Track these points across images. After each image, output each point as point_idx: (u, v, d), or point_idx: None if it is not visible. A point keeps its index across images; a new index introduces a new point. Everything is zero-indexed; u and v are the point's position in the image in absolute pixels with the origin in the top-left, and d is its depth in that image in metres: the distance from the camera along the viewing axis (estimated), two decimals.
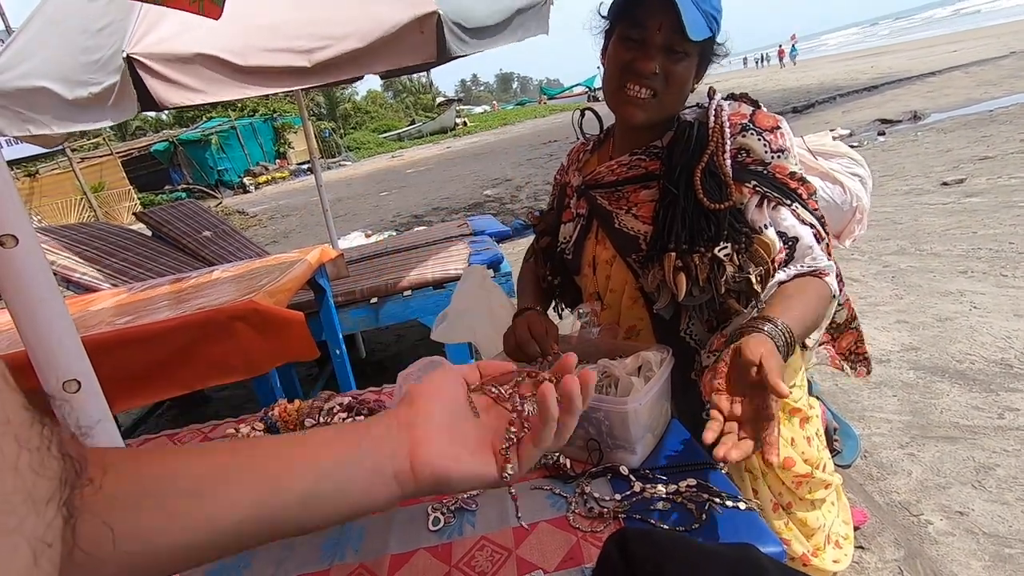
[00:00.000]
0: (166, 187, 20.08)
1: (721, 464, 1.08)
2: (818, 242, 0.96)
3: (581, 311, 1.22)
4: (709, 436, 0.71)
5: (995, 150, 5.32)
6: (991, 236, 3.42)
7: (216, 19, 1.62)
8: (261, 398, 1.82)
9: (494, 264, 2.84)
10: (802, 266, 0.93)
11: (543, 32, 2.87)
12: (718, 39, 1.01)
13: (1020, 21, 24.98)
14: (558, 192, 1.31)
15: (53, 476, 0.22)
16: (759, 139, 0.97)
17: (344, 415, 1.10)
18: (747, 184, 0.96)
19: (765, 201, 0.96)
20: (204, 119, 24.84)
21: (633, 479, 0.91)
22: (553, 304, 1.37)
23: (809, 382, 1.29)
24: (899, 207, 4.35)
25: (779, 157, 0.97)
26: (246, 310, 1.56)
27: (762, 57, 35.32)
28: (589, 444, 0.98)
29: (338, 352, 2.48)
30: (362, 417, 1.11)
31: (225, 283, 2.12)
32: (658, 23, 0.93)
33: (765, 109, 1.07)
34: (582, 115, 1.26)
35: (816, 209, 0.98)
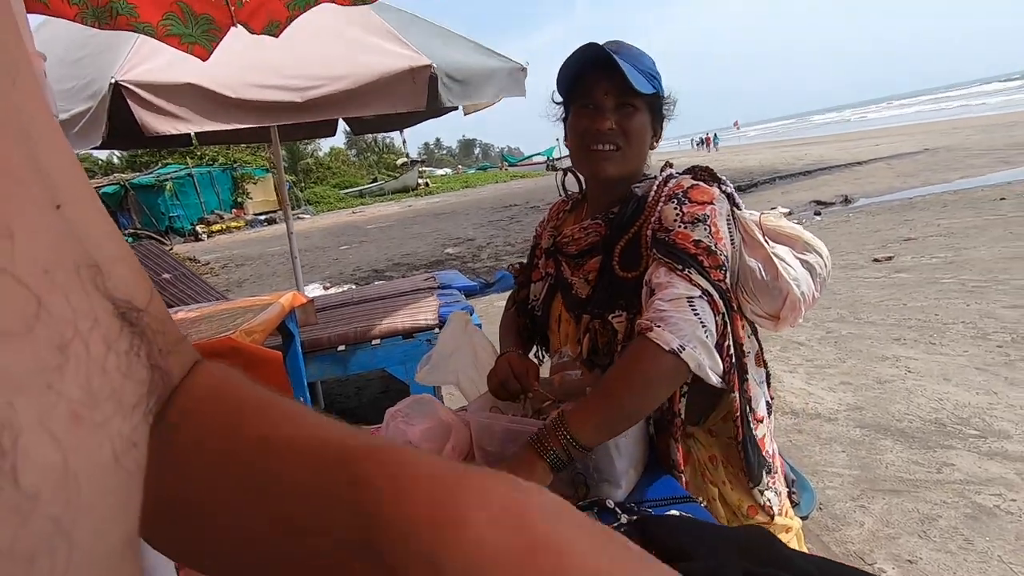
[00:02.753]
0: None
1: (700, 498, 1.14)
2: (696, 301, 0.95)
3: (563, 352, 1.28)
4: None
5: (917, 232, 5.87)
6: (919, 308, 3.73)
7: (204, 60, 1.69)
8: None
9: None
10: (643, 323, 0.94)
11: (520, 94, 3.05)
12: (664, 95, 1.12)
13: (931, 123, 28.08)
14: (535, 243, 1.39)
15: (142, 381, 0.22)
16: (676, 207, 1.03)
17: None
18: (653, 251, 1.02)
19: (656, 265, 0.99)
20: (160, 165, 24.40)
21: (619, 512, 0.95)
22: (534, 350, 1.43)
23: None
24: (838, 279, 4.70)
25: (689, 227, 1.00)
26: (224, 347, 1.54)
27: (701, 140, 39.94)
28: (575, 479, 1.01)
29: (301, 400, 2.43)
30: None
31: (193, 323, 2.08)
32: (603, 89, 1.05)
33: (726, 187, 1.17)
34: (564, 175, 1.36)
35: (720, 280, 0.99)
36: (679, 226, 1.01)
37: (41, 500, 0.17)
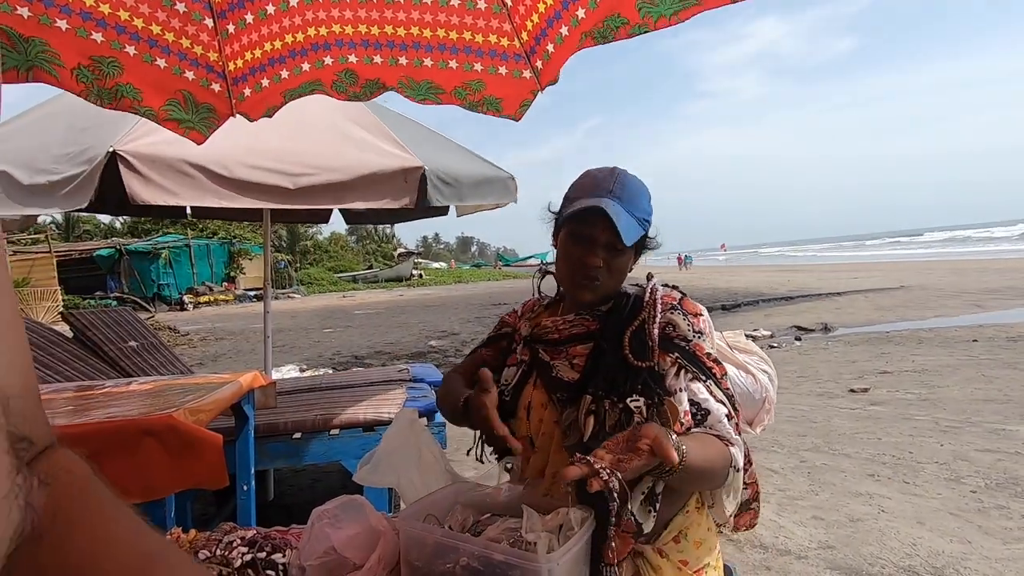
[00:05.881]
0: (97, 293, 19.24)
1: None
2: (728, 420, 1.05)
3: (508, 463, 1.23)
4: (573, 472, 0.82)
5: (893, 366, 5.93)
6: (893, 444, 3.68)
7: (199, 144, 1.77)
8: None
9: (428, 413, 2.81)
10: (710, 429, 1.03)
11: (512, 201, 3.18)
12: (650, 235, 1.21)
13: (905, 262, 29.48)
14: (499, 330, 1.38)
15: (11, 525, 0.23)
16: (685, 319, 1.12)
17: (245, 550, 1.02)
18: (670, 354, 1.08)
19: (683, 372, 1.06)
20: (160, 233, 24.82)
21: None
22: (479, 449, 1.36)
23: (729, 570, 1.29)
24: (814, 407, 4.67)
25: (699, 338, 1.11)
26: (162, 425, 1.47)
27: (686, 258, 42.39)
28: None
29: (245, 488, 2.28)
30: (264, 554, 1.02)
31: (141, 396, 2.01)
32: (600, 227, 1.12)
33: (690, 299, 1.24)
34: (542, 276, 1.40)
35: (727, 389, 1.09)
36: (693, 336, 1.10)
37: None
